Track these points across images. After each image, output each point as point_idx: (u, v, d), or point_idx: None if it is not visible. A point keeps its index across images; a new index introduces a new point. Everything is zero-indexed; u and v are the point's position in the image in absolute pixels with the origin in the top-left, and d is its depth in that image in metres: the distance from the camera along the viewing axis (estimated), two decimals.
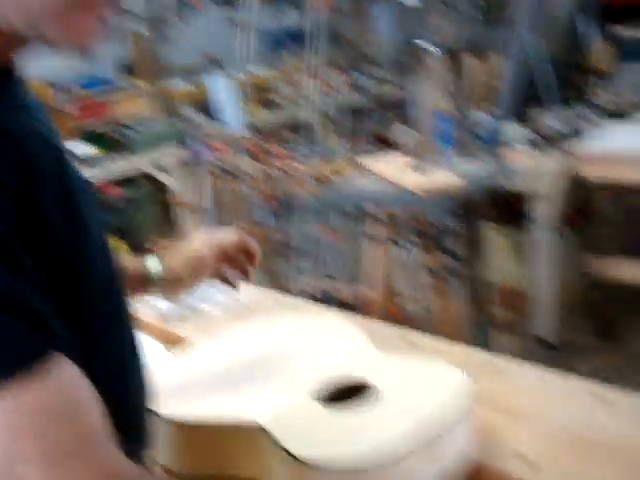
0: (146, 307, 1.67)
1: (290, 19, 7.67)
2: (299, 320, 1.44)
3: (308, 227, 3.53)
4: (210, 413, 1.11)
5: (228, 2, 6.63)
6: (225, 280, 1.38)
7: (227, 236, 1.35)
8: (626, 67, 4.91)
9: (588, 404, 1.20)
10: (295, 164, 3.46)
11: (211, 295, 1.70)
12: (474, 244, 3.01)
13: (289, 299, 1.83)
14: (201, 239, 1.35)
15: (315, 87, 3.52)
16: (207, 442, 1.10)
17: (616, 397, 1.22)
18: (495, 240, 3.33)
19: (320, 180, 3.19)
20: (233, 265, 1.36)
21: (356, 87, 4.49)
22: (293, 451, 0.98)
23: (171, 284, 1.29)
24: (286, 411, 1.07)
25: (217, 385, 1.21)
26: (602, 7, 4.46)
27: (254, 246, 1.35)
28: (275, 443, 1.00)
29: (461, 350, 1.45)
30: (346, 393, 1.12)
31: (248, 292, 1.70)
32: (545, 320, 3.30)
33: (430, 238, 2.95)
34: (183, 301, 1.66)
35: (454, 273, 3.06)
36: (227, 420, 1.09)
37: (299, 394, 1.12)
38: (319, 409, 1.08)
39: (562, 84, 4.19)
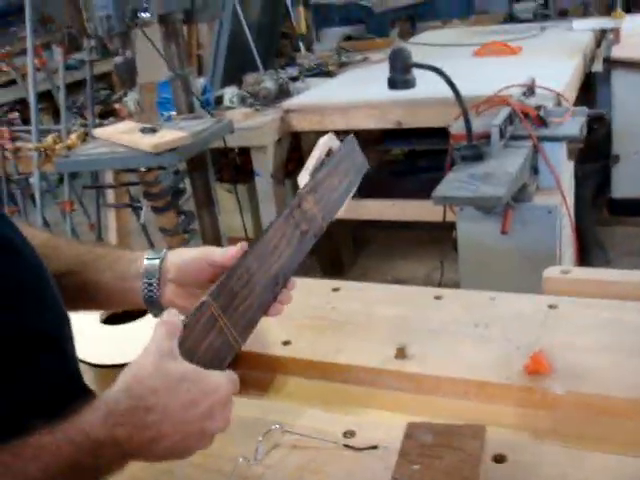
0: None
1: None
2: None
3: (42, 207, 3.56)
4: None
5: None
6: None
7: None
8: (324, 31, 5.43)
9: (323, 294, 1.47)
10: (20, 143, 3.47)
11: None
12: (206, 202, 3.21)
13: None
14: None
15: (31, 66, 3.52)
16: None
17: (343, 285, 1.50)
18: (223, 197, 3.56)
19: (49, 155, 3.25)
20: None
21: (78, 63, 4.54)
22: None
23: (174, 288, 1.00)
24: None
25: None
26: None
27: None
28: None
29: None
30: None
31: None
32: None
33: (163, 199, 3.11)
34: None
35: (189, 231, 3.26)
36: None
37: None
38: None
39: (271, 49, 4.52)
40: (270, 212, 3.49)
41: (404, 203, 3.45)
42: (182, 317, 0.82)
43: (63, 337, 0.91)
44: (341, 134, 3.66)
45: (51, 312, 0.89)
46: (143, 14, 2.50)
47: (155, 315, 0.99)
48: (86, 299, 1.01)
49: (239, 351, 0.89)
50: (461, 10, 5.94)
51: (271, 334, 1.34)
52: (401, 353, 1.20)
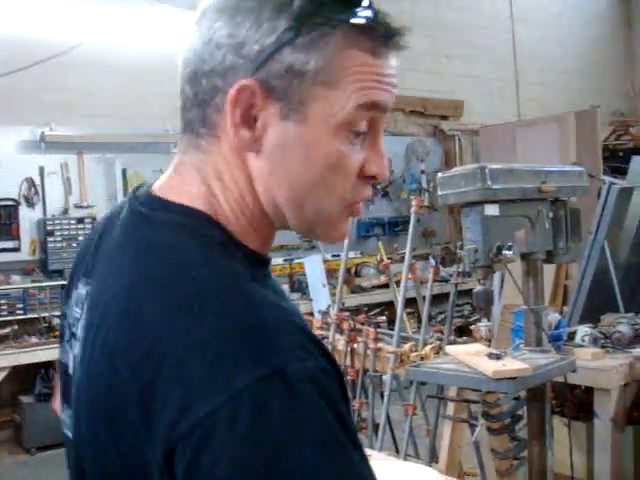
0: None
1: (379, 210, 8.30)
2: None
3: (388, 404, 3.84)
4: None
5: None
6: None
7: None
8: None
9: None
10: (381, 344, 3.83)
11: None
12: (539, 432, 3.26)
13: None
14: None
15: (404, 274, 3.90)
16: None
17: None
18: (559, 430, 3.57)
19: (404, 360, 3.55)
20: None
21: (448, 276, 4.93)
22: None
23: None
24: None
25: None
26: None
27: None
28: None
29: None
30: None
31: None
32: None
33: (499, 422, 3.23)
34: None
35: (519, 457, 3.31)
36: None
37: None
38: None
39: (636, 292, 4.49)
40: (604, 458, 3.42)
41: None
42: None
43: None
44: None
45: None
46: (507, 252, 2.73)
47: None
48: None
49: None
50: None
51: None
52: None
